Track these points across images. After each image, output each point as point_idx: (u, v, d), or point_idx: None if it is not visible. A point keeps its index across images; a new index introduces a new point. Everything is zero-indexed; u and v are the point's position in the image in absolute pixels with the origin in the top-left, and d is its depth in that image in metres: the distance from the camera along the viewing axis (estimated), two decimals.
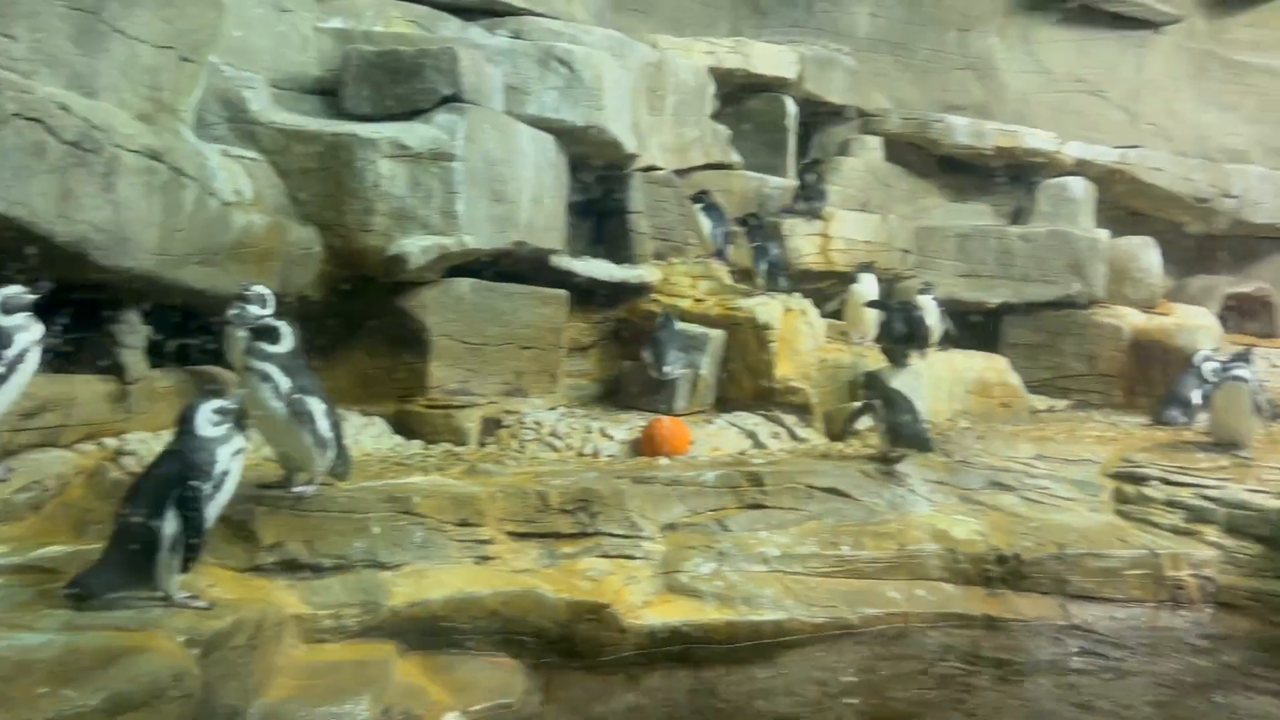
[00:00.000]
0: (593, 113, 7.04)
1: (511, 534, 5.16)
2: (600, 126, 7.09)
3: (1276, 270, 11.54)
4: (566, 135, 7.07)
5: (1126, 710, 4.80)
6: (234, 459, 3.92)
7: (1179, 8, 10.79)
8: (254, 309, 5.27)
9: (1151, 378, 9.16)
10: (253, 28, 6.42)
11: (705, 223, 8.08)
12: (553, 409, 6.90)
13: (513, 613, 4.75)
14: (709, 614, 5.07)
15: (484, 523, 5.10)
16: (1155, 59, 10.87)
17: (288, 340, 4.70)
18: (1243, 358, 7.23)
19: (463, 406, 6.51)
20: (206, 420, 3.87)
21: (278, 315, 5.09)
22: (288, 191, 6.08)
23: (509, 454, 6.22)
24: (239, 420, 4.00)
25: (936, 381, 8.21)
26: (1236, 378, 6.89)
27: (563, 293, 7.14)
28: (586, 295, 7.47)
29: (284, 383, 4.54)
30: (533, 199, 6.75)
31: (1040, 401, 9.27)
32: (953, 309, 9.05)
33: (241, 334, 4.99)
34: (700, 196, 8.15)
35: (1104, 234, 9.84)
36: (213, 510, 3.85)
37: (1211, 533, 6.07)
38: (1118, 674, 5.17)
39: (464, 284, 6.63)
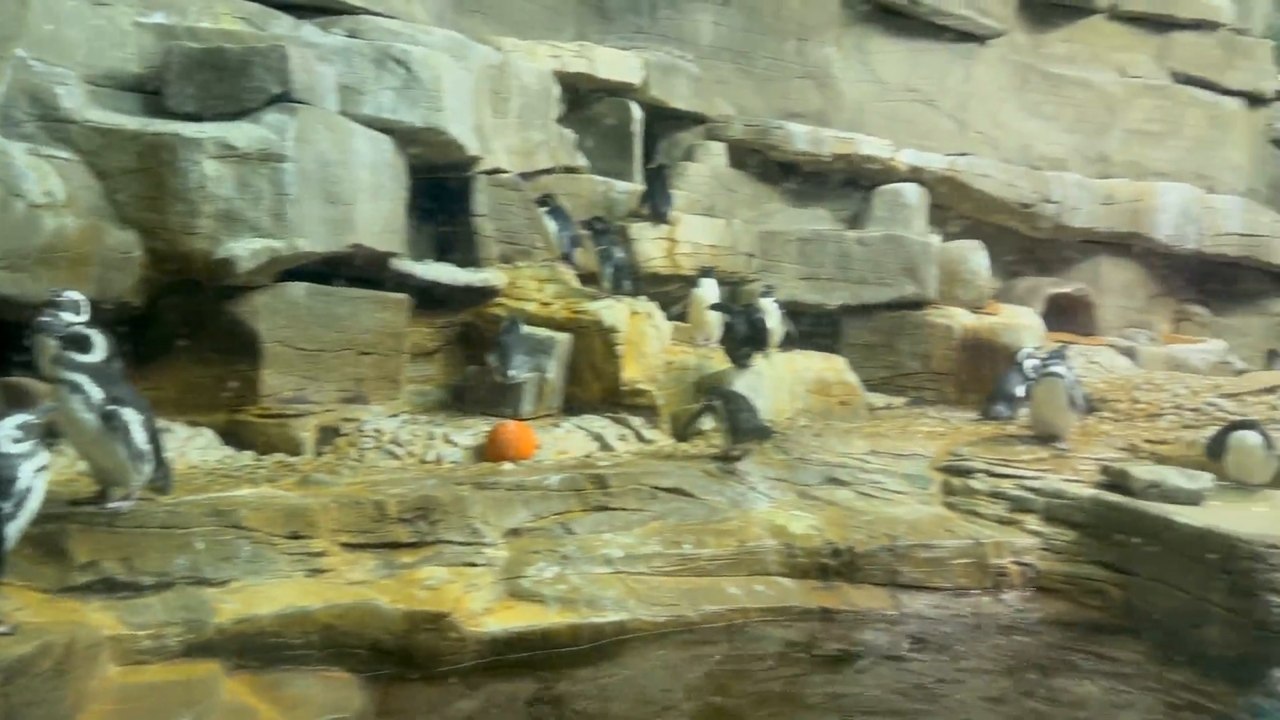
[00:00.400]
0: (432, 114, 6.94)
1: (346, 545, 5.04)
2: (440, 128, 7.00)
3: (1094, 272, 12.25)
4: (405, 136, 6.95)
5: (956, 693, 5.01)
6: (37, 476, 3.71)
7: (1002, 22, 11.35)
8: (66, 316, 4.99)
9: (981, 374, 9.58)
10: (65, 21, 6.07)
11: (551, 226, 8.08)
12: (395, 416, 6.77)
13: (347, 626, 4.64)
14: (551, 618, 5.06)
15: (317, 535, 4.97)
16: (981, 71, 11.41)
17: (100, 348, 4.47)
18: (1059, 355, 7.65)
19: (298, 415, 6.32)
20: (7, 437, 3.66)
21: (92, 322, 4.84)
22: (105, 193, 5.79)
23: (347, 463, 6.08)
24: (43, 435, 3.79)
25: (778, 381, 8.41)
26: (1053, 374, 7.27)
27: (404, 297, 7.02)
28: (430, 299, 7.36)
29: (96, 393, 4.32)
30: (370, 201, 6.61)
31: (878, 399, 9.59)
32: (794, 311, 9.29)
33: (51, 342, 4.72)
34: (546, 200, 8.14)
35: (936, 238, 10.26)
36: (13, 530, 3.63)
37: (1031, 521, 6.40)
38: (947, 659, 5.39)
39: (298, 288, 6.44)
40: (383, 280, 7.03)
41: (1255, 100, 13.21)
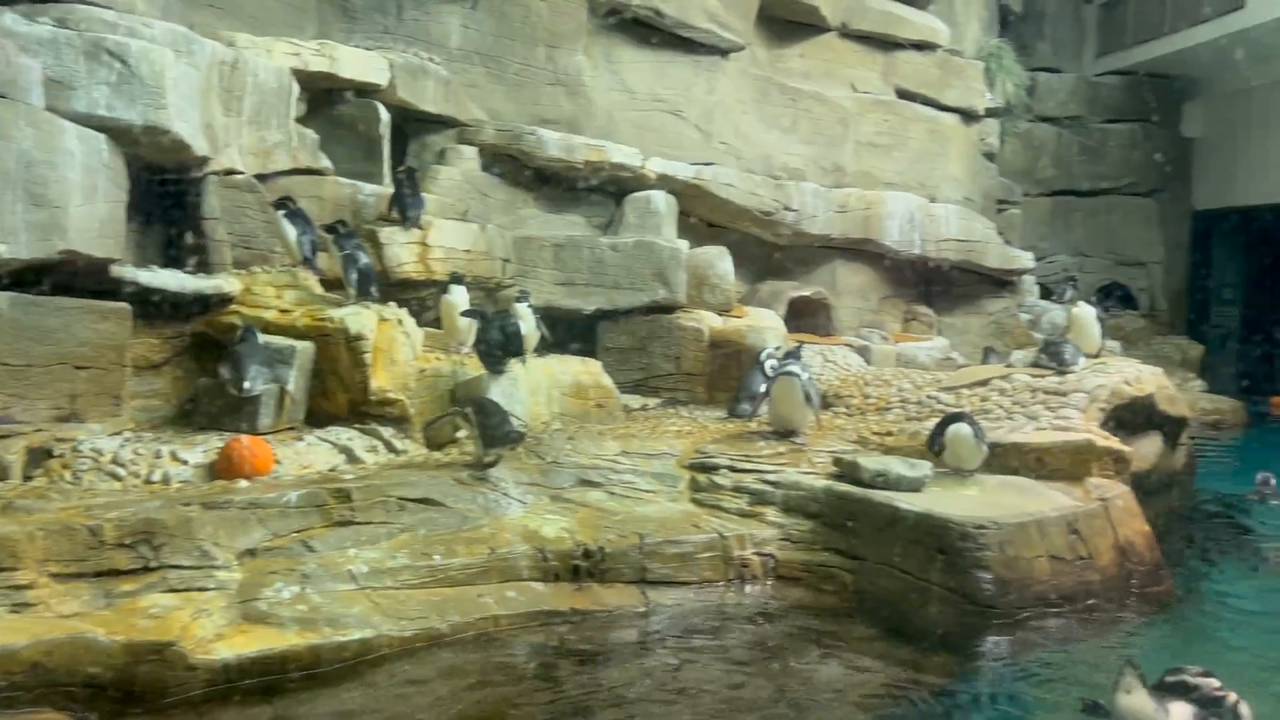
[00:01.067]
0: (153, 111, 6.50)
1: (57, 576, 4.67)
2: (162, 126, 6.56)
3: (831, 276, 12.99)
4: (123, 135, 6.47)
5: (701, 683, 5.17)
6: None
7: (742, 37, 11.84)
8: None
9: (729, 375, 9.95)
10: None
11: (290, 230, 7.73)
12: (116, 434, 6.29)
13: (58, 662, 4.28)
14: (290, 640, 4.84)
15: (21, 566, 4.56)
16: (724, 83, 11.85)
17: None
18: (794, 355, 8.06)
19: (3, 437, 5.76)
20: None
21: None
22: None
23: (59, 487, 5.59)
24: None
25: (534, 387, 8.42)
26: (789, 373, 7.64)
27: (125, 306, 6.53)
28: (157, 308, 6.88)
29: None
30: (83, 203, 6.11)
31: (634, 401, 9.78)
32: (550, 316, 9.33)
33: None
34: (283, 203, 7.79)
35: (684, 244, 10.58)
36: None
37: (771, 513, 6.70)
38: (694, 651, 5.56)
39: (1, 299, 5.87)
40: (103, 289, 6.51)
41: (969, 116, 14.42)
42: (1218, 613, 6.63)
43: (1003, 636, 5.92)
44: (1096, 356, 8.99)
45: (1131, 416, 8.23)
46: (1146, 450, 8.29)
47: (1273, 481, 9.31)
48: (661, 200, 10.85)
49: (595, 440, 7.59)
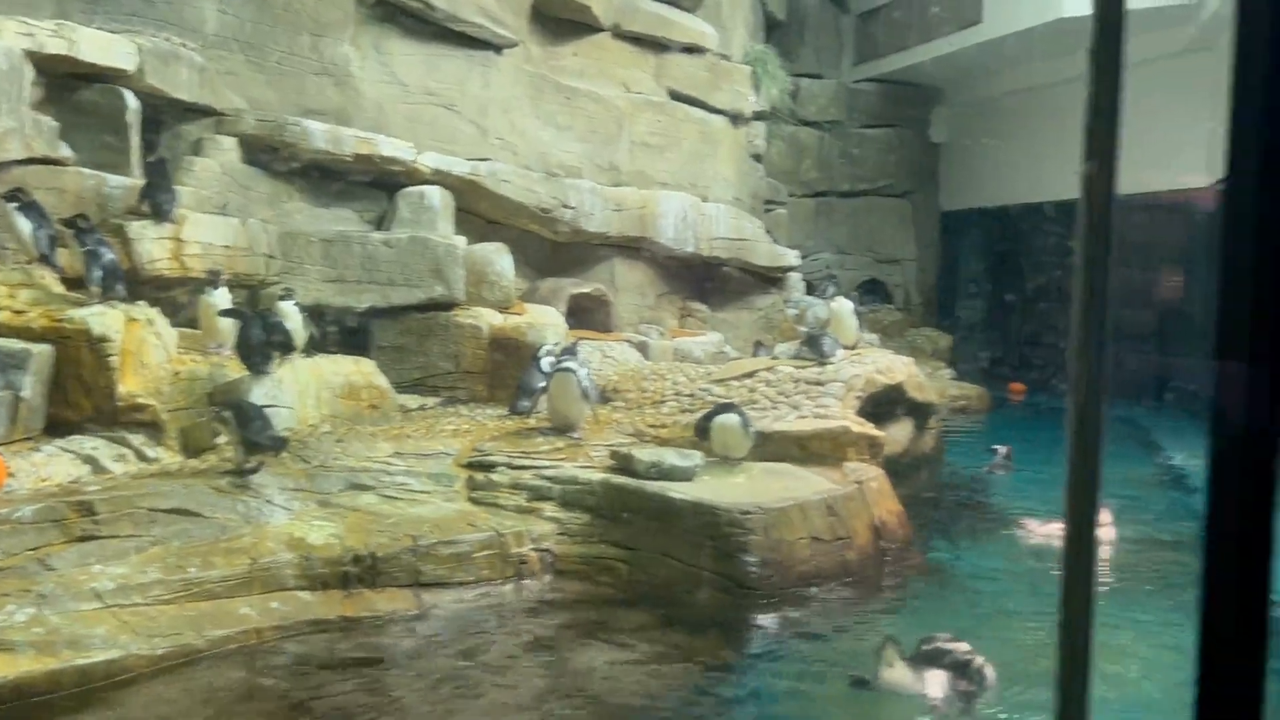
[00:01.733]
0: None
1: None
2: None
3: (610, 273, 13.16)
4: None
5: (479, 683, 5.12)
6: None
7: (516, 33, 11.81)
8: None
9: (509, 372, 9.89)
10: None
11: (24, 225, 7.11)
12: None
13: None
14: (24, 666, 4.47)
15: None
16: (499, 79, 11.78)
17: None
18: (571, 351, 8.12)
19: None
20: None
21: None
22: None
23: None
24: None
25: (303, 388, 8.11)
26: (566, 369, 7.70)
27: None
28: None
29: None
30: None
31: (412, 401, 9.58)
32: (319, 314, 9.00)
33: None
34: (16, 195, 7.15)
35: (461, 240, 10.44)
36: None
37: (549, 508, 6.74)
38: (470, 651, 5.50)
39: None
40: None
41: (737, 119, 14.95)
42: (962, 579, 7.15)
43: (769, 616, 6.18)
44: (854, 348, 9.52)
45: (885, 403, 8.78)
46: (899, 434, 8.87)
47: (1001, 451, 10.23)
48: (437, 196, 10.67)
49: (367, 442, 7.39)
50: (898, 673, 5.02)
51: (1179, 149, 14.31)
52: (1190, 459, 11.52)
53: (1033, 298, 17.78)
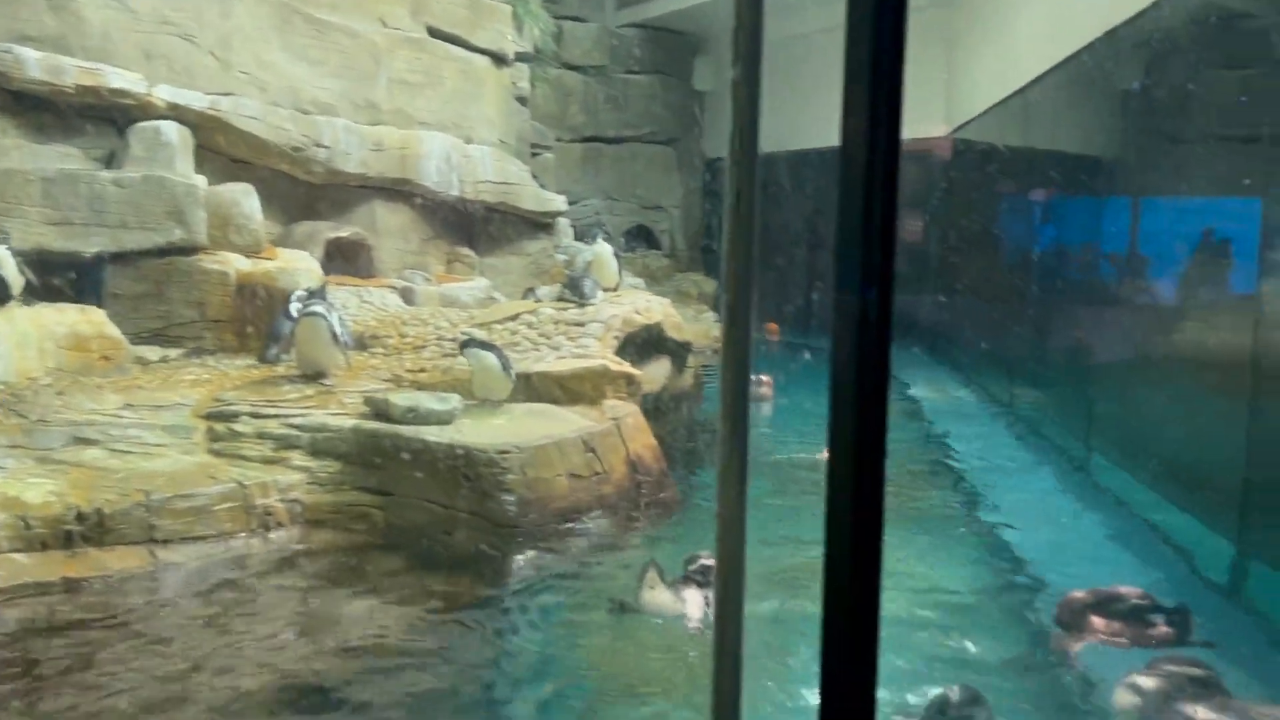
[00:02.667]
0: None
1: None
2: None
3: (371, 216, 12.73)
4: None
5: (220, 638, 4.92)
6: None
7: None
8: None
9: (260, 320, 9.44)
10: None
11: None
12: None
13: None
14: None
15: None
16: (241, 8, 11.05)
17: None
18: (319, 295, 7.83)
19: None
20: None
21: None
22: None
23: None
24: None
25: (22, 339, 7.47)
26: (313, 313, 7.42)
27: None
28: None
29: None
30: None
31: (152, 352, 8.98)
32: (40, 260, 8.26)
33: None
34: None
35: (201, 180, 9.79)
36: None
37: (297, 457, 6.50)
38: (210, 606, 5.27)
39: None
40: None
41: (499, 59, 14.69)
42: (714, 507, 7.42)
43: (529, 552, 6.23)
44: (615, 290, 9.66)
45: (645, 343, 8.97)
46: (658, 373, 9.09)
47: (764, 380, 10.85)
48: (173, 131, 9.94)
49: (92, 394, 6.88)
50: (658, 595, 5.23)
51: (924, 100, 15.24)
52: (926, 391, 12.46)
53: (793, 243, 18.58)
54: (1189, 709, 3.95)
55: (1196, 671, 4.18)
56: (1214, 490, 6.72)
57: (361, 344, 8.76)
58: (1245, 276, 7.08)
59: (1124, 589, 5.09)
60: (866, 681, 1.05)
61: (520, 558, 6.22)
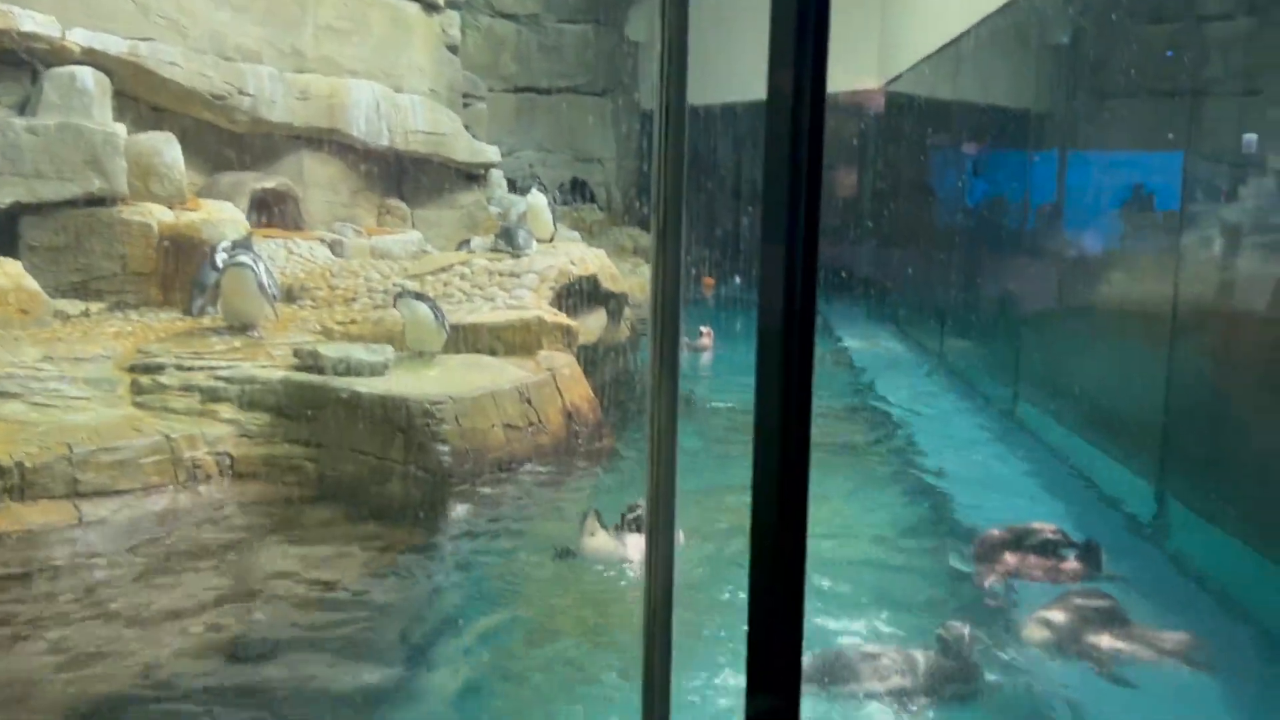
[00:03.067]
0: None
1: None
2: None
3: (298, 167, 12.45)
4: None
5: (148, 591, 4.85)
6: None
7: None
8: None
9: (185, 273, 9.21)
10: None
11: None
12: None
13: None
14: None
15: None
16: None
17: None
18: (245, 245, 7.66)
19: None
20: None
21: None
22: None
23: None
24: None
25: None
26: (239, 263, 7.26)
27: None
28: None
29: None
30: None
31: (72, 306, 8.72)
32: None
33: None
34: None
35: (120, 128, 9.48)
36: None
37: (226, 410, 6.39)
38: (136, 559, 5.20)
39: None
40: None
41: (430, 6, 14.37)
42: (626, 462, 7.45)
43: (466, 502, 6.23)
44: (550, 241, 9.59)
45: (580, 294, 8.94)
46: (593, 325, 9.08)
47: (704, 331, 11.00)
48: (90, 78, 9.59)
49: (11, 348, 6.67)
50: (599, 540, 5.31)
51: (856, 53, 15.27)
52: (858, 341, 12.63)
53: (730, 196, 18.59)
54: (1094, 639, 4.13)
55: (1101, 603, 4.38)
56: (1135, 434, 6.93)
57: (290, 296, 8.61)
58: (1168, 229, 7.26)
59: (1038, 525, 5.28)
60: (793, 616, 1.07)
61: (457, 508, 6.21)
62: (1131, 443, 6.97)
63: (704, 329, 11.45)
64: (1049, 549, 5.14)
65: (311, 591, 4.98)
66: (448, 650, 4.48)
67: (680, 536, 5.27)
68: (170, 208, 9.79)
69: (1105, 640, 4.12)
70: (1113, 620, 4.27)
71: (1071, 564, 5.09)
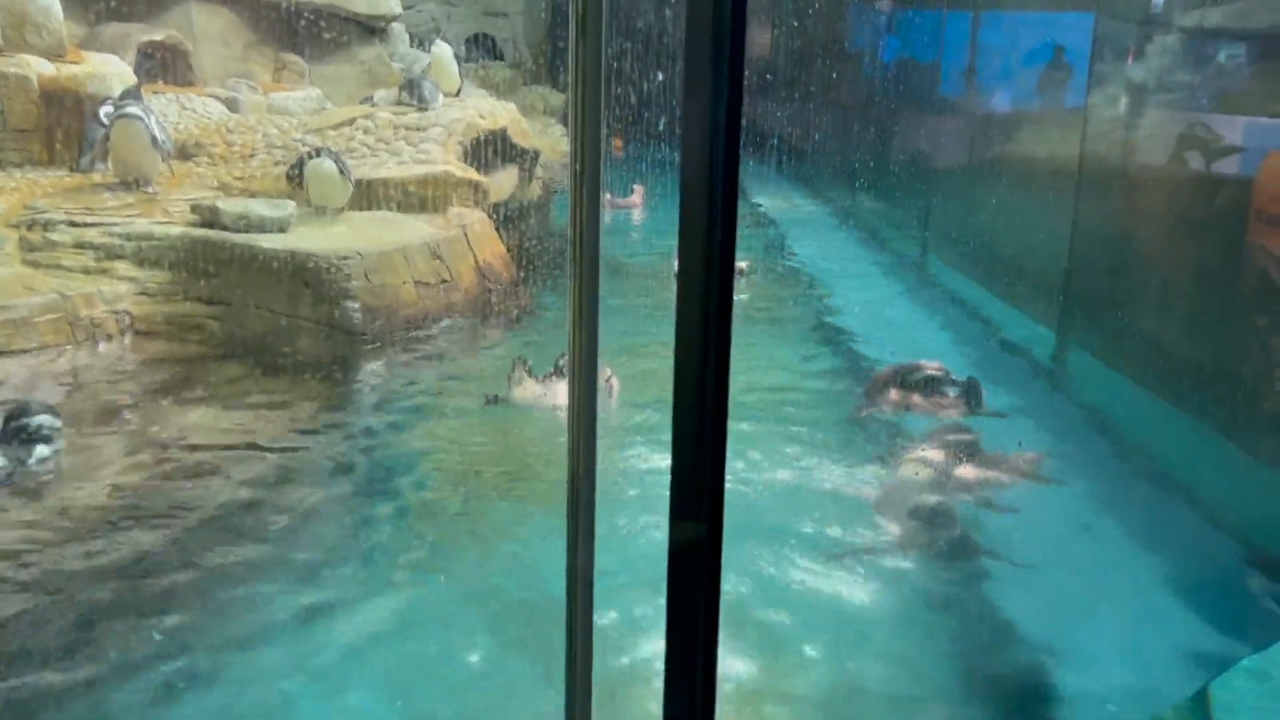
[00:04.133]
0: None
1: None
2: None
3: (187, 19, 11.75)
4: None
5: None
6: None
7: None
8: None
9: (71, 129, 8.72)
10: None
11: None
12: None
13: None
14: None
15: None
16: None
17: None
18: (134, 96, 7.26)
19: None
20: None
21: None
22: None
23: None
24: None
25: None
26: (129, 115, 6.89)
27: None
28: None
29: None
30: None
31: None
32: None
33: None
34: None
35: None
36: None
37: (123, 267, 6.17)
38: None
39: None
40: None
41: None
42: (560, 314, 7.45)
43: (381, 358, 6.16)
44: (456, 94, 9.29)
45: (489, 149, 8.72)
46: (504, 182, 8.90)
47: (637, 190, 10.94)
48: None
49: None
50: (527, 388, 5.37)
51: None
52: (773, 201, 12.66)
53: (646, 47, 18.16)
54: (961, 470, 4.41)
55: (966, 437, 4.67)
56: (1039, 285, 7.14)
57: (185, 153, 8.23)
58: (1076, 88, 7.34)
59: (923, 362, 5.52)
60: (715, 451, 1.08)
61: (370, 365, 6.15)
62: (1036, 292, 7.18)
63: (636, 186, 11.36)
64: (931, 384, 5.38)
65: (223, 452, 4.91)
66: (370, 500, 4.50)
67: (615, 383, 5.34)
68: (50, 60, 9.19)
69: (969, 471, 4.41)
70: (973, 451, 4.57)
71: (951, 399, 5.34)
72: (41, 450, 4.40)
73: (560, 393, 5.33)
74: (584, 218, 1.20)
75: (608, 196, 10.36)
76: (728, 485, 1.08)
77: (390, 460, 4.90)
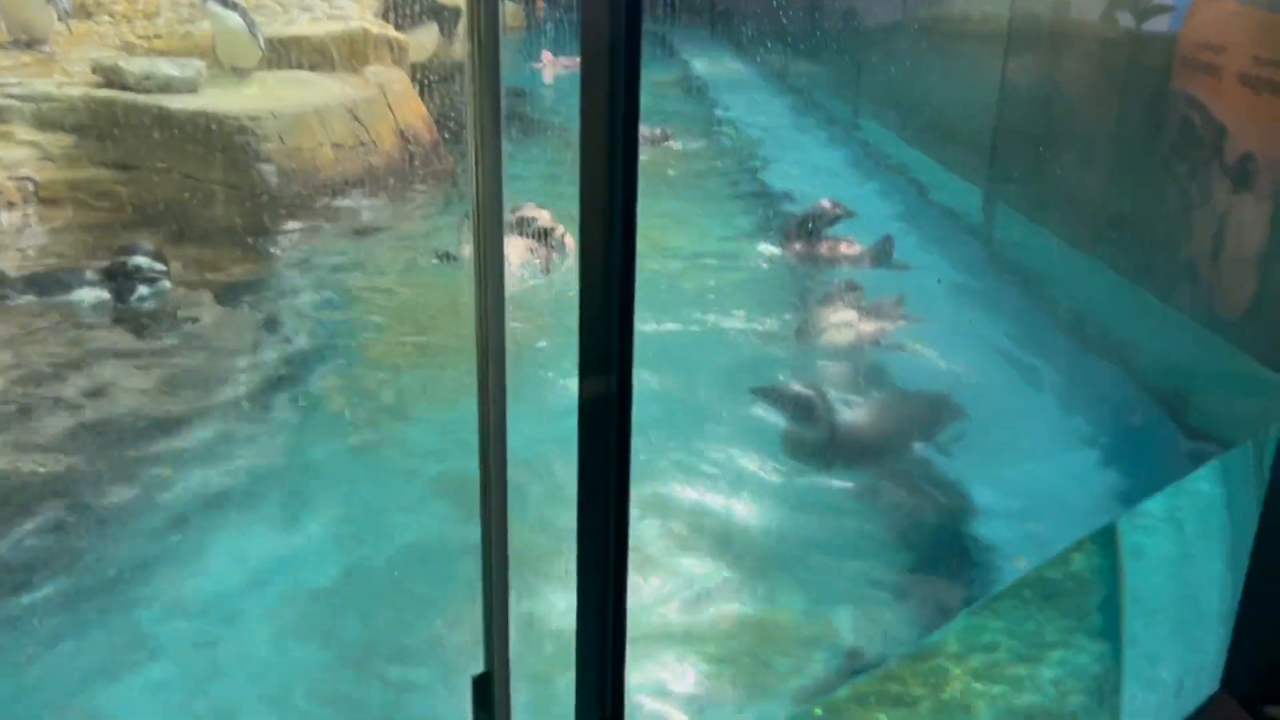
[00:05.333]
0: None
1: None
2: None
3: None
4: None
5: None
6: None
7: None
8: None
9: None
10: None
11: None
12: None
13: None
14: None
15: None
16: None
17: None
18: None
19: None
20: None
21: None
22: None
23: None
24: None
25: None
26: None
27: None
28: None
29: None
30: None
31: None
32: None
33: None
34: None
35: None
36: None
37: (22, 131, 5.88)
38: None
39: None
40: None
41: None
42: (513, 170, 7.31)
43: (302, 221, 6.01)
44: None
45: (407, 5, 8.39)
46: (425, 40, 8.59)
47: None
48: None
49: None
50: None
51: None
52: (706, 65, 12.42)
53: None
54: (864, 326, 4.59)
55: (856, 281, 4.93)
56: (968, 143, 7.14)
57: (84, 12, 7.78)
58: None
59: (823, 201, 5.64)
60: (624, 316, 1.07)
61: (288, 228, 6.00)
62: (965, 151, 7.18)
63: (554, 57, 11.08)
64: (830, 223, 5.55)
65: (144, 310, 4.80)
66: (304, 359, 4.44)
67: (570, 240, 5.28)
68: None
69: (870, 326, 4.61)
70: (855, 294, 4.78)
71: (857, 248, 5.50)
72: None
73: (514, 249, 5.24)
74: (481, 55, 1.14)
75: (547, 54, 10.05)
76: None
77: (305, 331, 4.80)
